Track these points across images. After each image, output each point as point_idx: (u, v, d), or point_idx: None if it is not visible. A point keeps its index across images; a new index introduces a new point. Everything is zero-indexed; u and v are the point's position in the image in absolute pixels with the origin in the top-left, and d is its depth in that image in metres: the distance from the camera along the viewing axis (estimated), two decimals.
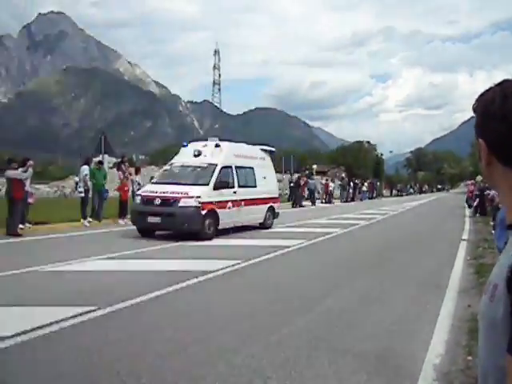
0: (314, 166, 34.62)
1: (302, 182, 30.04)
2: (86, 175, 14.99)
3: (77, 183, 36.24)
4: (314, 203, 29.57)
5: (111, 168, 15.62)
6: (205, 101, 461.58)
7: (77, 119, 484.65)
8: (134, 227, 12.37)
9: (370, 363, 4.00)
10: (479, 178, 29.11)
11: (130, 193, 16.99)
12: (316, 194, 39.48)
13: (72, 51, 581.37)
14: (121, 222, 15.55)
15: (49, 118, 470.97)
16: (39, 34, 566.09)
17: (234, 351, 4.16)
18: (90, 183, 15.05)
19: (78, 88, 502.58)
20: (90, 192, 15.23)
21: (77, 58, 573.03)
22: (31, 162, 13.08)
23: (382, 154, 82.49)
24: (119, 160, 18.20)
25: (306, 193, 30.12)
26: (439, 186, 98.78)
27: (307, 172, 33.99)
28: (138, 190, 17.79)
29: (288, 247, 10.55)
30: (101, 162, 16.20)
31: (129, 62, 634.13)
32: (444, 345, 4.58)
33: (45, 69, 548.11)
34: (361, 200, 40.37)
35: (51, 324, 4.75)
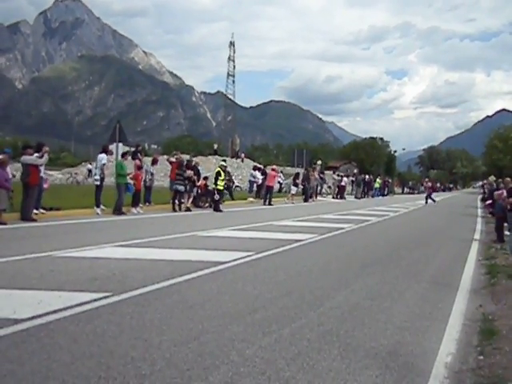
0: (319, 162, 34.44)
1: (311, 176, 29.79)
2: (103, 164, 15.10)
3: (90, 170, 36.68)
4: (306, 200, 28.29)
5: (122, 157, 15.68)
6: (218, 92, 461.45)
7: (90, 107, 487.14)
8: (148, 216, 12.46)
9: (381, 359, 4.02)
10: (492, 178, 28.85)
11: (142, 182, 17.10)
12: (327, 189, 39.47)
13: (87, 39, 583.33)
14: (134, 210, 15.68)
15: (62, 105, 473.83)
16: (55, 21, 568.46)
17: (247, 342, 4.21)
18: (106, 172, 15.17)
19: (92, 76, 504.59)
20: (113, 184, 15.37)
21: (92, 45, 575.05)
22: (47, 148, 13.22)
23: (395, 151, 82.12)
24: (134, 149, 18.30)
25: (297, 188, 28.35)
26: (450, 185, 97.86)
27: (313, 166, 33.77)
28: (150, 179, 17.97)
29: (300, 241, 10.58)
30: (127, 153, 16.28)
31: (144, 52, 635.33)
32: (455, 344, 4.60)
33: (60, 56, 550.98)
34: (372, 197, 40.25)
35: (66, 309, 4.84)
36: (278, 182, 31.78)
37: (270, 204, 23.30)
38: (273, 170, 25.77)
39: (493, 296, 6.54)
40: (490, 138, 70.99)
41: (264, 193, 24.70)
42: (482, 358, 4.24)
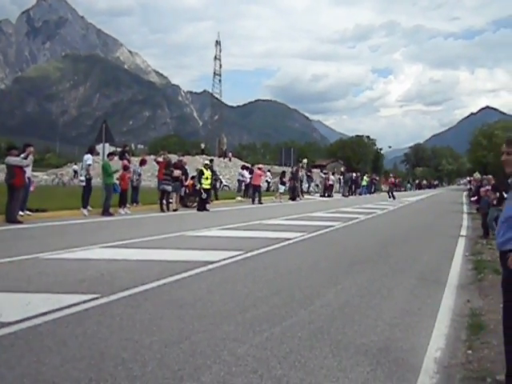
0: (305, 161, 34.52)
1: (300, 175, 29.91)
2: (88, 165, 14.98)
3: (75, 171, 36.37)
4: (294, 198, 28.37)
5: (108, 157, 15.59)
6: (205, 91, 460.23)
7: (75, 107, 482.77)
8: (136, 216, 12.41)
9: (372, 355, 4.05)
10: (477, 174, 29.25)
11: (129, 182, 17.01)
12: (315, 188, 39.64)
13: (71, 38, 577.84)
14: (121, 211, 15.58)
15: (47, 105, 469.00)
16: (38, 20, 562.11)
17: (238, 341, 4.21)
18: (92, 172, 15.03)
19: (76, 75, 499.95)
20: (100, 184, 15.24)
21: (76, 45, 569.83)
22: (31, 149, 13.07)
23: (381, 149, 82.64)
24: (121, 149, 18.20)
25: (285, 186, 28.47)
26: (435, 182, 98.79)
27: (300, 164, 33.86)
28: (137, 180, 17.88)
29: (289, 240, 10.60)
30: (113, 154, 16.13)
31: (129, 51, 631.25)
32: (444, 339, 4.64)
33: (44, 55, 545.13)
34: (360, 194, 40.47)
35: (55, 311, 4.80)
36: (266, 181, 31.83)
37: (259, 203, 23.37)
38: (259, 169, 25.80)
39: (480, 291, 6.62)
40: (475, 135, 71.80)
41: (251, 192, 24.72)
42: (470, 352, 4.29)
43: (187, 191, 19.48)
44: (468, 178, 64.56)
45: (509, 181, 3.67)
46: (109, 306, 5.11)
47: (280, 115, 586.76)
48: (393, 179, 39.80)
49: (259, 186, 24.39)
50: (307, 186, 37.79)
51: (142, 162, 18.72)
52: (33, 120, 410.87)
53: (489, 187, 14.21)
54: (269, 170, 36.33)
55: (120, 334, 4.28)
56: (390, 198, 34.13)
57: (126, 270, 6.87)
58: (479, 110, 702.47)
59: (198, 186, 18.24)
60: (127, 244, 9.20)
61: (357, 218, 17.05)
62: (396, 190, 46.22)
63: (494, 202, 12.50)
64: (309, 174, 38.86)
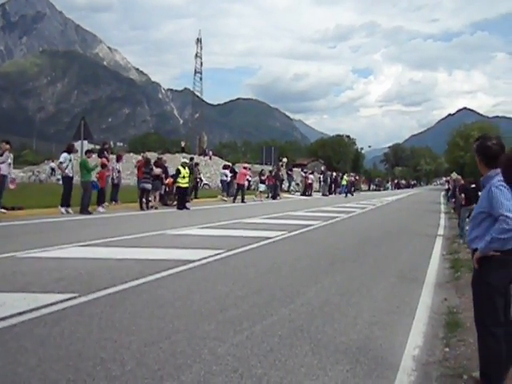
0: (284, 160, 34.62)
1: (280, 174, 30.00)
2: (60, 163, 14.77)
3: (53, 169, 35.81)
4: (275, 197, 28.72)
5: (85, 154, 15.38)
6: (185, 89, 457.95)
7: (53, 103, 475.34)
8: (115, 214, 12.29)
9: (351, 354, 4.09)
10: (454, 174, 29.79)
11: (109, 180, 16.84)
12: (296, 187, 39.79)
13: (49, 33, 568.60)
14: (100, 209, 15.41)
15: (23, 101, 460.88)
16: (15, 15, 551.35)
17: (218, 340, 4.20)
18: (67, 171, 14.79)
19: (54, 71, 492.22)
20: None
21: (54, 40, 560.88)
22: (7, 146, 12.83)
23: (362, 149, 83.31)
24: (100, 147, 18.00)
25: (264, 185, 28.75)
26: (413, 182, 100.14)
27: (280, 163, 33.98)
28: (118, 177, 17.70)
29: (269, 238, 10.62)
30: (91, 151, 15.90)
31: (108, 48, 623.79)
32: (422, 337, 4.71)
33: (20, 50, 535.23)
34: (340, 194, 40.73)
35: (31, 311, 4.72)
36: (247, 180, 31.83)
37: (242, 202, 23.44)
38: (244, 168, 25.82)
39: (457, 289, 6.74)
40: (453, 135, 72.85)
41: (235, 191, 24.73)
42: (447, 350, 4.37)
43: (167, 189, 19.38)
44: (445, 178, 65.59)
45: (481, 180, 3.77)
46: (87, 305, 5.05)
47: (261, 114, 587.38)
48: (352, 178, 40.81)
49: (243, 185, 24.45)
50: (288, 184, 37.93)
51: (118, 158, 18.53)
52: (9, 116, 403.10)
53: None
54: (249, 169, 36.34)
55: (98, 333, 4.23)
56: (346, 196, 34.45)
57: (104, 268, 6.79)
58: (457, 111, 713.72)
59: (178, 185, 18.19)
60: (106, 243, 9.10)
61: (337, 217, 17.17)
62: (356, 189, 46.95)
63: (463, 202, 12.79)
64: (289, 172, 39.00)
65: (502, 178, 3.45)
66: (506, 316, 3.58)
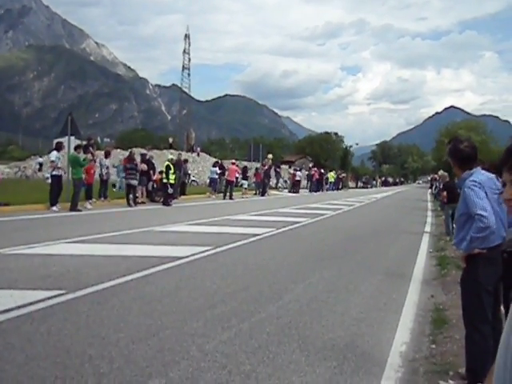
0: (270, 156, 34.51)
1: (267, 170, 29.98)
2: (52, 161, 14.63)
3: (41, 164, 35.43)
4: (263, 194, 28.82)
5: (75, 150, 15.24)
6: (173, 85, 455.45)
7: (39, 98, 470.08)
8: (103, 211, 12.21)
9: (339, 350, 4.12)
10: (441, 172, 30.04)
11: (97, 176, 16.73)
12: (283, 184, 39.85)
13: (36, 28, 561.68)
14: (88, 205, 15.29)
15: (9, 96, 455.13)
16: (0, 8, 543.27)
17: (206, 337, 4.20)
18: (60, 170, 14.67)
19: (40, 66, 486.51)
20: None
21: (40, 35, 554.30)
22: None
23: (351, 146, 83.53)
24: (86, 143, 17.84)
25: (247, 181, 28.91)
26: (399, 180, 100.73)
27: (266, 160, 33.89)
28: (107, 173, 17.59)
29: (258, 235, 10.63)
30: (80, 147, 15.73)
31: (96, 43, 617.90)
32: (409, 333, 4.76)
33: (6, 44, 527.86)
34: (327, 191, 40.89)
35: (18, 308, 4.69)
36: (235, 177, 31.86)
37: (231, 198, 23.45)
38: (233, 163, 25.83)
39: (443, 286, 6.81)
40: (440, 134, 73.43)
41: (224, 187, 24.73)
42: (434, 346, 4.42)
43: (155, 186, 19.29)
44: (431, 176, 66.07)
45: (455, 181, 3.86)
46: (75, 302, 5.02)
47: (249, 111, 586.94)
48: (313, 172, 40.93)
49: (233, 182, 24.44)
50: (276, 181, 37.97)
51: (107, 154, 18.40)
52: None
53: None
54: (238, 165, 36.31)
55: (86, 330, 4.21)
56: (290, 192, 34.53)
57: (92, 265, 6.75)
58: (444, 110, 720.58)
59: (165, 181, 18.15)
60: (93, 239, 9.04)
61: (324, 214, 17.22)
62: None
63: (445, 200, 12.92)
64: (277, 169, 39.02)
65: (474, 178, 3.52)
66: (495, 314, 3.64)
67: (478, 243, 3.39)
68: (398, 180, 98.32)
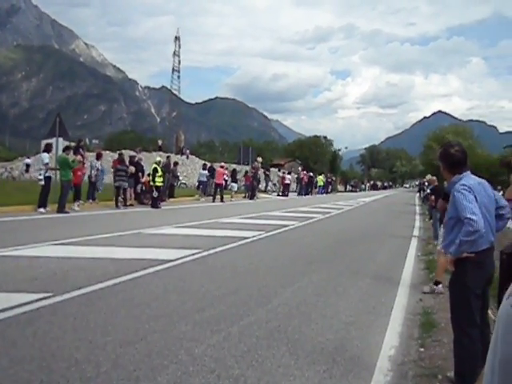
0: (259, 159, 34.45)
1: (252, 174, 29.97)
2: (46, 163, 14.49)
3: (28, 165, 35.09)
4: (253, 197, 28.63)
5: (63, 151, 15.10)
6: (163, 87, 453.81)
7: (27, 99, 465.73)
8: (91, 213, 12.12)
9: (328, 354, 4.11)
10: (429, 176, 30.27)
11: (85, 177, 16.60)
12: (273, 187, 39.87)
13: (24, 28, 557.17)
14: (75, 207, 15.16)
15: None
16: None
17: (195, 341, 4.17)
18: (52, 171, 14.56)
19: (29, 66, 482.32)
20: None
21: (29, 35, 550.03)
22: None
23: (339, 150, 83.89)
24: (76, 144, 17.71)
25: (237, 184, 28.86)
26: (386, 184, 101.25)
27: (255, 163, 33.87)
28: (96, 175, 17.46)
29: (247, 238, 10.61)
30: (69, 148, 15.58)
31: (85, 43, 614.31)
32: (398, 337, 4.76)
33: None
34: (317, 194, 40.98)
35: (5, 310, 4.62)
36: (224, 180, 31.84)
37: (221, 201, 23.51)
38: (221, 167, 25.88)
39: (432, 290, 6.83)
40: (428, 138, 74.00)
41: (213, 190, 24.73)
42: (422, 350, 4.43)
43: (143, 188, 19.21)
44: (419, 181, 66.56)
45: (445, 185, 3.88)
46: (61, 305, 4.96)
47: (239, 114, 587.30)
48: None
49: (221, 185, 24.45)
50: (265, 185, 37.97)
51: (98, 156, 18.28)
52: None
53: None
54: (226, 168, 36.28)
55: (73, 334, 4.16)
56: (279, 195, 34.55)
57: (79, 268, 6.69)
58: (432, 114, 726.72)
59: (151, 184, 18.11)
60: (81, 241, 8.96)
61: (314, 217, 17.25)
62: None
63: (433, 204, 13.02)
64: (267, 172, 39.04)
65: (464, 182, 3.55)
66: (483, 317, 3.66)
67: (467, 247, 3.41)
68: (386, 184, 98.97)
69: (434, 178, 15.28)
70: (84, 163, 16.34)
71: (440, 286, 6.64)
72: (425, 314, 5.55)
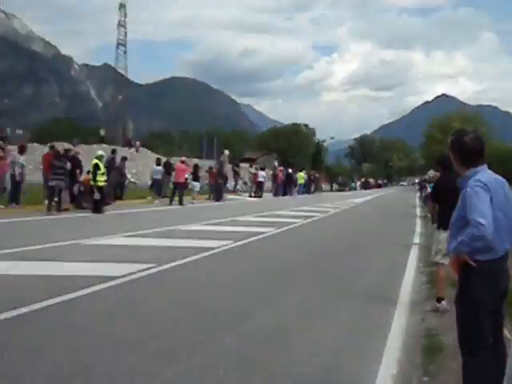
0: (226, 152, 34.42)
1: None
2: None
3: None
4: (219, 199, 28.83)
5: None
6: (105, 65, 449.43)
7: None
8: (14, 219, 11.88)
9: None
10: (431, 172, 30.78)
11: (7, 176, 16.31)
12: (243, 186, 39.93)
13: None
14: None
15: None
16: None
17: (148, 375, 4.13)
18: None
19: None
20: None
21: None
22: None
23: (324, 141, 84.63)
24: None
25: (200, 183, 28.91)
26: (381, 181, 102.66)
27: (221, 158, 33.92)
28: (20, 173, 17.16)
29: (212, 249, 10.59)
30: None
31: (4, 12, 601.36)
32: (396, 364, 4.81)
33: None
34: (297, 194, 41.17)
35: None
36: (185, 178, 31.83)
37: (180, 204, 23.26)
38: (182, 162, 25.53)
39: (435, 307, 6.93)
40: (430, 126, 75.12)
41: (171, 191, 24.56)
42: (426, 379, 4.48)
43: (82, 189, 18.97)
44: (419, 178, 67.58)
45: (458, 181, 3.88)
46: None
47: (201, 97, 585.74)
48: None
49: (182, 184, 24.19)
50: (234, 183, 37.99)
51: (22, 149, 17.94)
52: None
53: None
54: (187, 164, 36.20)
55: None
56: (251, 196, 35.14)
57: (1, 286, 6.56)
58: (435, 98, 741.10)
59: (91, 184, 17.89)
60: (3, 255, 8.79)
61: (293, 222, 17.33)
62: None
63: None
64: (236, 169, 39.06)
65: (478, 178, 3.56)
66: (497, 338, 3.68)
67: (468, 249, 3.44)
68: (380, 181, 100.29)
69: (438, 174, 15.52)
70: (5, 158, 16.04)
71: (444, 302, 6.75)
72: (428, 337, 5.63)
